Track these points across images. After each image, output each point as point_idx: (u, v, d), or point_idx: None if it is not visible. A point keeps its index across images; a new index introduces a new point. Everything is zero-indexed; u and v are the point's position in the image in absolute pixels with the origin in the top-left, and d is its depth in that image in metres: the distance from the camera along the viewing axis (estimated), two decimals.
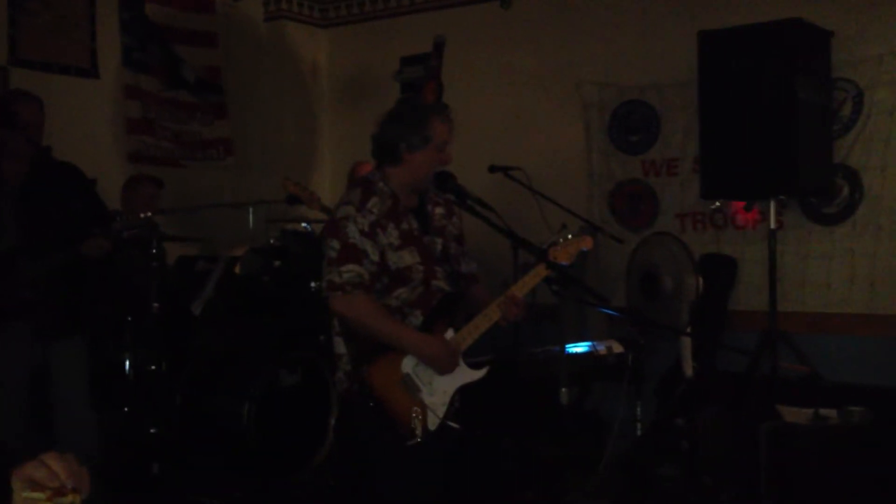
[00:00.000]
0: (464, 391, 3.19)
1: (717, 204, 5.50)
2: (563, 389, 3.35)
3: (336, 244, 3.12)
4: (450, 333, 3.18)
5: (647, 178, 6.12)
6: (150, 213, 4.28)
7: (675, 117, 5.97)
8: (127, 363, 4.95)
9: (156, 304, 4.88)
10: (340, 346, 3.21)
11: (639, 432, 4.41)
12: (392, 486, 3.16)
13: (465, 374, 3.19)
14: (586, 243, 3.31)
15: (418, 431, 3.07)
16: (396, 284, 3.16)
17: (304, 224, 5.85)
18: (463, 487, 4.10)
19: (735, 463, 4.97)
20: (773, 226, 5.20)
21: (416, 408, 3.08)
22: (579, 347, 4.37)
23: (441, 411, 3.12)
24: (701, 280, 4.62)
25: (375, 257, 3.13)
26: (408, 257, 3.18)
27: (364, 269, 3.10)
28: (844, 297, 5.39)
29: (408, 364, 3.12)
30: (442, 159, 3.24)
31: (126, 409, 4.92)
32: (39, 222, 4.09)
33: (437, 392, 3.13)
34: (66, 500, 1.34)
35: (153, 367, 4.92)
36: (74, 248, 4.05)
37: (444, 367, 3.14)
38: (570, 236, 3.28)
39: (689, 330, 4.64)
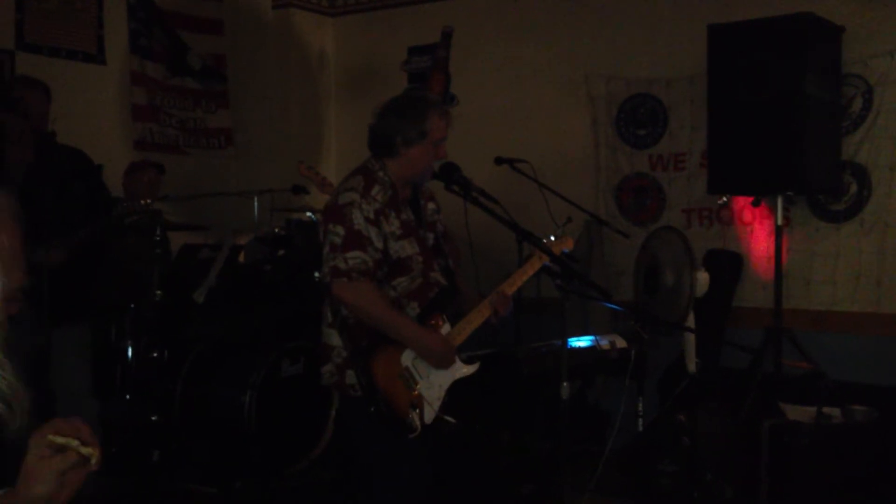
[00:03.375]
0: (459, 385, 3.18)
1: (724, 199, 5.46)
2: (565, 384, 3.32)
3: (341, 230, 3.09)
4: (446, 328, 3.17)
5: (654, 172, 6.08)
6: (150, 200, 4.25)
7: (682, 111, 5.93)
8: (129, 350, 4.95)
9: (158, 292, 4.88)
10: (332, 338, 3.18)
11: (640, 428, 4.38)
12: (385, 478, 3.15)
13: (460, 369, 3.19)
14: (567, 244, 3.40)
15: (416, 424, 3.06)
16: (396, 274, 3.15)
17: (308, 213, 5.84)
18: (461, 481, 4.10)
19: (736, 460, 4.94)
20: (779, 222, 5.17)
21: (413, 401, 3.07)
22: (582, 342, 4.36)
23: (437, 405, 3.12)
24: (697, 276, 4.59)
25: (380, 245, 3.11)
26: (408, 247, 3.16)
27: (369, 256, 3.08)
28: (850, 295, 5.35)
29: (407, 357, 3.12)
30: (438, 154, 3.22)
31: (127, 396, 4.93)
32: (42, 208, 4.08)
33: (434, 386, 3.13)
34: (89, 451, 1.44)
35: (155, 355, 4.91)
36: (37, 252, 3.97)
37: (442, 362, 3.14)
38: (552, 238, 3.32)
39: (689, 325, 4.60)
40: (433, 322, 3.16)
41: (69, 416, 4.13)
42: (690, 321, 4.61)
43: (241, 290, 5.47)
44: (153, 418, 4.78)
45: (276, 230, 5.72)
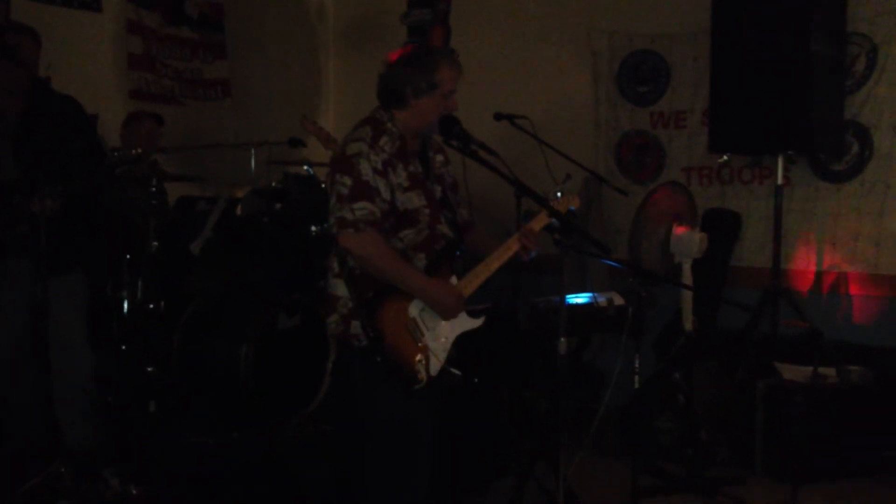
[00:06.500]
0: (460, 339, 3.18)
1: (725, 158, 5.43)
2: (562, 339, 3.32)
3: (348, 180, 3.06)
4: (453, 280, 3.16)
5: (655, 129, 6.05)
6: (140, 150, 4.20)
7: (685, 68, 5.88)
8: (124, 301, 4.94)
9: (155, 243, 4.85)
10: (339, 288, 3.17)
11: (636, 385, 4.38)
12: (387, 430, 3.16)
13: (465, 322, 3.19)
14: (573, 202, 3.39)
15: (422, 375, 3.07)
16: (403, 225, 3.13)
17: (305, 167, 5.80)
18: (457, 437, 4.11)
19: (731, 418, 4.97)
20: (779, 182, 5.14)
21: (419, 352, 3.07)
22: (580, 298, 4.34)
23: (443, 357, 3.12)
24: (674, 231, 4.60)
25: (387, 196, 3.09)
26: (415, 199, 3.14)
27: (376, 207, 3.06)
28: (848, 255, 5.34)
29: (414, 308, 3.11)
30: (448, 106, 3.19)
31: (123, 347, 4.92)
32: (37, 156, 4.03)
33: (440, 337, 3.13)
34: None
35: (151, 306, 4.90)
36: (26, 201, 3.91)
37: (450, 313, 3.14)
38: (559, 195, 3.30)
39: (687, 282, 4.60)
40: (440, 274, 3.14)
41: (64, 365, 4.12)
42: (688, 279, 4.60)
43: (238, 243, 5.45)
44: (149, 370, 4.78)
45: (274, 184, 5.69)
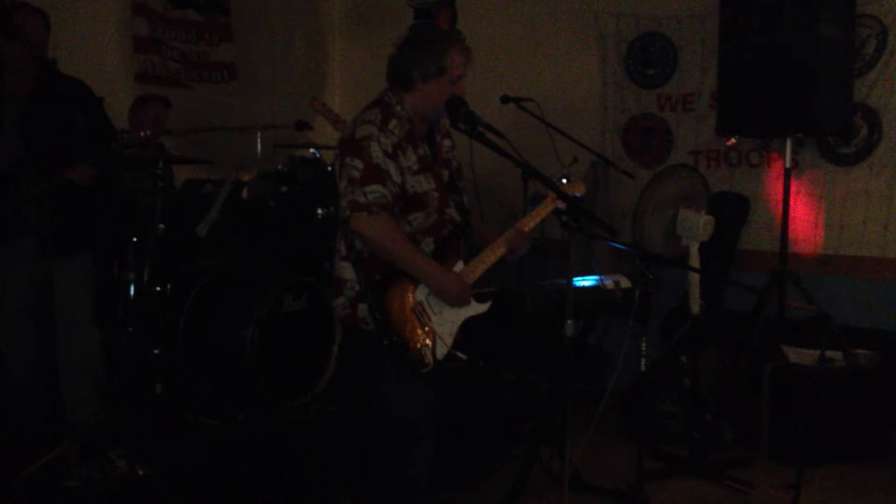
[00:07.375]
0: (466, 323, 3.17)
1: (733, 141, 5.40)
2: (569, 321, 3.31)
3: (359, 163, 3.04)
4: (460, 265, 3.16)
5: (662, 112, 6.02)
6: (149, 132, 4.18)
7: (693, 51, 5.84)
8: (132, 283, 4.95)
9: (161, 225, 4.86)
10: (346, 271, 3.16)
11: (642, 368, 4.38)
12: (393, 413, 3.16)
13: (472, 307, 3.18)
14: (579, 189, 3.38)
15: (428, 360, 3.06)
16: (412, 209, 3.11)
17: (312, 150, 5.79)
18: (462, 421, 4.11)
19: (737, 402, 4.97)
20: (788, 165, 5.11)
21: (425, 336, 3.06)
22: (587, 281, 4.33)
23: (449, 341, 3.11)
24: (681, 212, 4.60)
25: (398, 179, 3.06)
26: (424, 183, 3.12)
27: (388, 190, 3.03)
28: (857, 239, 5.31)
29: (422, 292, 3.10)
30: (456, 91, 3.16)
31: (130, 328, 4.93)
32: (44, 137, 4.03)
33: (447, 322, 3.12)
34: None
35: (158, 288, 4.91)
36: (63, 172, 3.95)
37: (457, 302, 3.13)
38: (563, 181, 3.29)
39: (694, 265, 4.59)
40: (448, 258, 3.13)
41: (71, 346, 4.13)
42: (695, 262, 4.59)
43: (244, 226, 5.45)
44: (155, 351, 4.79)
45: (280, 166, 5.68)
